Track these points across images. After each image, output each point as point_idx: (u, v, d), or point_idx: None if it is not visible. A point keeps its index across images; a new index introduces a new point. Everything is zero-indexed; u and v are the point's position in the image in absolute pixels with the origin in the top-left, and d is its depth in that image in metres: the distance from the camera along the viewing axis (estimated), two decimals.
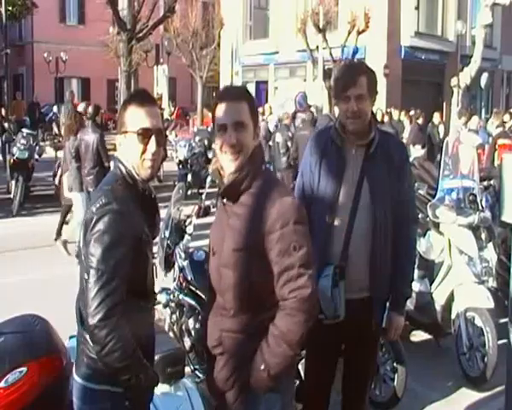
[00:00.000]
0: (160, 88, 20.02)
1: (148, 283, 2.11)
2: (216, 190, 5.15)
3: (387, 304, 2.87)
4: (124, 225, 1.93)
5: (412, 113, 14.12)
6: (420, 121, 14.14)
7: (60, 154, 12.06)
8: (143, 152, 2.04)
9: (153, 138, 2.04)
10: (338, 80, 2.80)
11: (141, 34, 15.71)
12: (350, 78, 2.67)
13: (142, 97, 2.08)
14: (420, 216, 4.64)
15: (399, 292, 2.86)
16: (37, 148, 11.84)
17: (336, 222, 2.70)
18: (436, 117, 14.66)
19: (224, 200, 2.18)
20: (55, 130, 19.79)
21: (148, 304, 2.12)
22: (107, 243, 1.90)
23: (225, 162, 2.13)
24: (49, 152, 14.07)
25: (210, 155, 13.45)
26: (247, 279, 2.05)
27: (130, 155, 2.06)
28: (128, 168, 2.06)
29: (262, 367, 2.04)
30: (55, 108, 23.71)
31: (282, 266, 2.02)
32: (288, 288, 2.02)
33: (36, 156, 11.33)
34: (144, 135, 2.03)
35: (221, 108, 2.11)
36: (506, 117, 12.34)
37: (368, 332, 2.82)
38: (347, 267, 2.68)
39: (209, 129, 17.14)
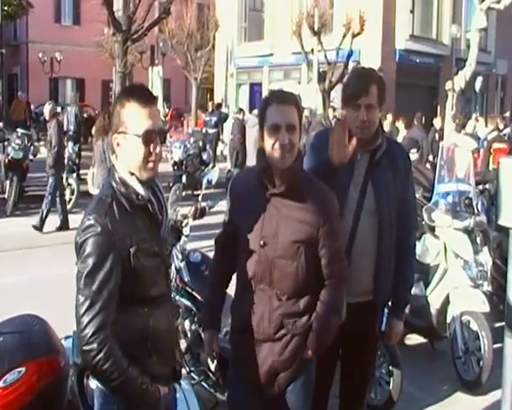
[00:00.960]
0: (155, 89, 19.91)
1: (153, 288, 2.07)
2: (210, 191, 5.10)
3: (385, 309, 2.90)
4: (107, 245, 1.91)
5: (419, 115, 14.03)
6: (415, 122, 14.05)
7: None
8: (147, 155, 1.98)
9: (157, 140, 1.99)
10: (349, 87, 2.76)
11: (136, 35, 15.69)
12: (362, 86, 2.64)
13: (145, 96, 1.98)
14: None
15: (400, 298, 2.88)
16: (32, 148, 11.80)
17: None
18: (437, 122, 14.56)
19: (268, 195, 2.33)
20: None
21: (154, 309, 2.07)
22: (90, 266, 1.90)
23: (275, 160, 2.29)
24: (44, 152, 13.98)
25: (204, 156, 13.46)
26: (304, 268, 2.31)
27: (131, 157, 1.99)
28: (121, 176, 2.00)
29: (324, 338, 2.39)
30: None
31: (333, 250, 2.36)
32: (336, 266, 2.38)
33: (30, 156, 11.28)
34: (149, 138, 1.97)
35: (274, 110, 2.30)
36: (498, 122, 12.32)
37: (367, 335, 2.83)
38: (350, 270, 2.64)
39: (203, 130, 17.19)
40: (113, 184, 2.00)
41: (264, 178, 2.32)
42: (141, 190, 2.00)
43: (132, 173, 2.00)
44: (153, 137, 1.97)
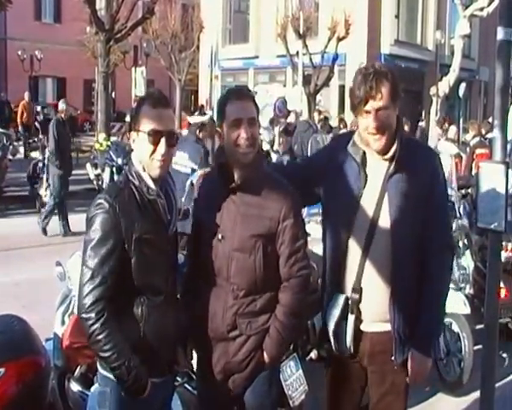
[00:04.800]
0: (138, 90, 19.83)
1: (152, 279, 2.19)
2: (194, 193, 5.09)
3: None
4: (112, 225, 2.09)
5: (404, 120, 14.25)
6: (406, 129, 14.22)
7: (34, 154, 11.87)
8: (153, 152, 2.17)
9: (163, 140, 2.16)
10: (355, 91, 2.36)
11: (119, 35, 15.59)
12: (370, 89, 2.29)
13: (156, 99, 2.20)
14: None
15: (424, 329, 2.41)
16: (11, 147, 11.64)
17: (351, 246, 2.41)
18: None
19: (227, 190, 2.33)
20: None
21: (151, 299, 2.19)
22: (94, 241, 2.09)
23: (239, 154, 2.30)
24: (23, 152, 13.85)
25: None
26: (262, 263, 2.31)
27: (141, 152, 2.20)
28: (136, 169, 2.19)
29: (281, 342, 2.34)
30: None
31: (293, 249, 2.33)
32: (296, 267, 2.34)
33: (9, 156, 11.11)
34: (154, 136, 2.16)
35: (234, 106, 2.31)
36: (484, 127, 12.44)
37: (390, 371, 2.44)
38: (362, 298, 2.39)
39: None
40: (129, 176, 2.20)
41: (223, 173, 2.35)
42: (151, 184, 2.18)
43: (145, 169, 2.19)
44: (158, 137, 2.15)
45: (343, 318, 2.41)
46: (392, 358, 2.40)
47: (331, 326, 2.42)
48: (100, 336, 2.05)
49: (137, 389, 2.13)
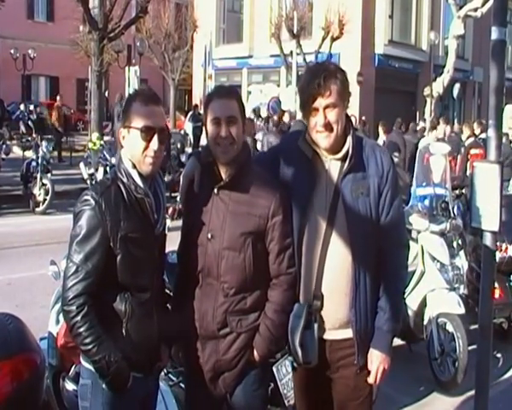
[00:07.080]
0: (132, 89, 19.77)
1: (138, 278, 2.20)
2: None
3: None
4: (97, 222, 2.10)
5: (399, 121, 14.30)
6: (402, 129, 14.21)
7: (28, 153, 11.82)
8: (145, 149, 2.17)
9: (155, 137, 2.17)
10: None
11: (112, 34, 15.58)
12: (318, 86, 2.26)
13: (147, 96, 2.21)
14: None
15: (383, 327, 2.39)
16: (4, 146, 11.57)
17: (307, 252, 2.36)
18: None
19: (215, 189, 2.33)
20: (23, 129, 19.30)
21: (135, 297, 2.20)
22: (79, 237, 2.12)
23: (218, 153, 2.30)
24: (17, 151, 13.76)
25: (183, 158, 13.41)
26: (252, 260, 2.30)
27: (133, 150, 2.19)
28: (125, 167, 2.18)
29: (271, 339, 2.34)
30: (22, 107, 23.17)
31: (282, 246, 2.33)
32: (285, 264, 2.34)
33: (2, 155, 11.04)
34: (147, 133, 2.16)
35: (214, 104, 2.32)
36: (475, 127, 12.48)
37: (353, 376, 2.43)
38: (324, 304, 2.35)
39: (182, 132, 17.10)
40: (118, 173, 2.20)
41: (210, 172, 2.35)
42: (140, 182, 2.18)
43: (135, 167, 2.19)
44: (151, 134, 2.16)
45: (307, 327, 2.35)
46: (355, 362, 2.38)
47: (297, 337, 2.34)
48: (80, 329, 2.07)
49: (118, 383, 2.14)
